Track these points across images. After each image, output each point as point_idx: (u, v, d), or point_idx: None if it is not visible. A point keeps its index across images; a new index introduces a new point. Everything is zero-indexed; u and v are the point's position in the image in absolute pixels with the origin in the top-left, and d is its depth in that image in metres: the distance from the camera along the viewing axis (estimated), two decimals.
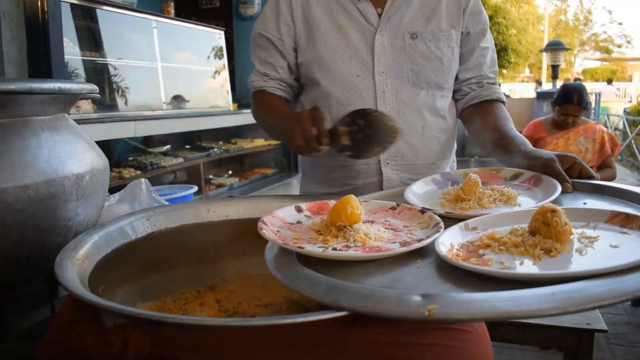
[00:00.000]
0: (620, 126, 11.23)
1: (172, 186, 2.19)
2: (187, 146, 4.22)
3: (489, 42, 1.45)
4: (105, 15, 2.88)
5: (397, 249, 0.80)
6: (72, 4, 2.69)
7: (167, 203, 1.68)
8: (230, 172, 4.77)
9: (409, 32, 1.37)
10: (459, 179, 1.22)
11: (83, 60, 2.68)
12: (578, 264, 0.70)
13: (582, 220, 0.84)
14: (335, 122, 1.19)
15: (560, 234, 0.75)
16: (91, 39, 2.79)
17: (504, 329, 1.86)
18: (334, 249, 0.82)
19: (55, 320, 0.71)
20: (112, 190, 2.73)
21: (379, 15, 1.39)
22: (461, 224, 0.88)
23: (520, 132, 1.38)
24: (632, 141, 10.00)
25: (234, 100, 4.67)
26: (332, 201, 1.04)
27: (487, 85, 1.44)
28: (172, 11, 3.88)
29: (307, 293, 0.68)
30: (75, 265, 0.80)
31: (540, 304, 0.56)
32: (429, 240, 0.81)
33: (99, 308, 0.60)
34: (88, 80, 2.68)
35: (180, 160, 3.63)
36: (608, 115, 11.74)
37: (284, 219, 0.97)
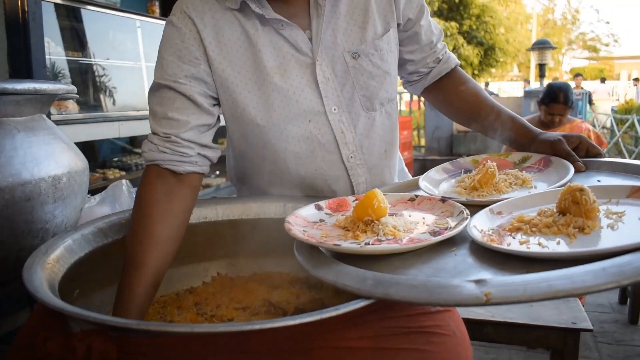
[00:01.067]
0: (608, 124, 11.33)
1: None
2: None
3: (426, 12, 1.29)
4: (89, 15, 2.84)
5: (432, 238, 0.79)
6: (55, 4, 2.65)
7: None
8: (217, 172, 4.75)
9: (349, 52, 1.16)
10: (469, 166, 1.22)
11: (66, 60, 2.64)
12: (614, 238, 0.70)
13: (603, 198, 0.84)
14: None
15: (589, 212, 0.76)
16: (74, 39, 2.76)
17: (490, 328, 1.86)
18: (367, 243, 0.81)
19: (25, 325, 0.69)
20: (97, 191, 2.70)
21: (310, 40, 1.14)
22: (486, 209, 0.88)
23: None
24: (620, 139, 10.09)
25: None
26: (349, 197, 1.06)
27: (443, 57, 1.33)
28: (157, 10, 3.84)
29: (355, 289, 0.67)
30: (46, 270, 0.78)
31: (595, 279, 0.56)
32: (460, 227, 0.80)
33: (64, 314, 0.59)
34: (72, 81, 2.65)
35: None
36: (596, 114, 11.84)
37: (306, 218, 0.96)
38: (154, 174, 1.06)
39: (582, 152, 1.15)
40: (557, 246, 0.71)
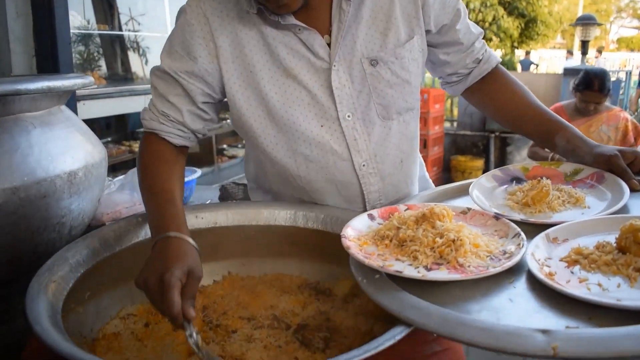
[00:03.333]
0: None
1: None
2: None
3: (462, 15, 1.23)
4: None
5: (491, 270, 0.79)
6: None
7: None
8: (244, 141, 4.76)
9: (368, 58, 1.12)
10: (519, 174, 1.22)
11: (92, 33, 2.65)
12: None
13: None
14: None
15: None
16: (100, 12, 2.75)
17: None
18: (426, 266, 0.83)
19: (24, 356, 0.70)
20: (122, 165, 2.74)
21: (328, 45, 1.12)
22: (542, 235, 0.88)
23: None
24: None
25: None
26: (400, 205, 1.05)
27: (483, 56, 1.29)
28: None
29: (420, 324, 0.69)
30: (50, 291, 0.79)
31: None
32: (518, 257, 0.81)
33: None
34: (97, 53, 2.65)
35: None
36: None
37: (360, 230, 0.97)
38: (155, 141, 1.16)
39: (636, 169, 1.11)
40: (618, 290, 0.72)
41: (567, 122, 1.25)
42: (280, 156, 1.19)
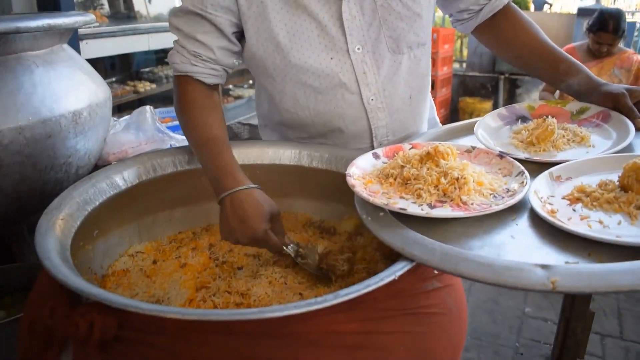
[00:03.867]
0: None
1: None
2: None
3: None
4: None
5: (494, 207, 0.80)
6: None
7: (170, 132, 1.68)
8: (250, 81, 4.69)
9: None
10: (524, 112, 1.21)
11: None
12: None
13: None
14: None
15: None
16: None
17: None
18: (429, 204, 0.83)
19: (33, 292, 0.72)
20: (127, 105, 2.73)
21: None
22: (546, 173, 0.89)
23: None
24: None
25: None
26: (405, 144, 1.05)
27: None
28: None
29: (423, 260, 0.70)
30: (58, 228, 0.81)
31: None
32: (522, 194, 0.82)
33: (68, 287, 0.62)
34: None
35: None
36: None
37: (365, 169, 0.97)
38: (189, 85, 1.15)
39: None
40: (618, 227, 0.73)
41: (576, 61, 1.22)
42: (289, 88, 1.18)
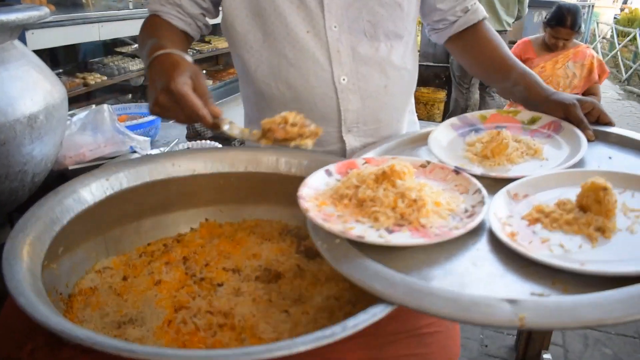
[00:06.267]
0: (609, 35, 10.98)
1: (140, 104, 2.06)
2: None
3: None
4: None
5: (455, 232, 0.77)
6: None
7: (130, 133, 1.59)
8: (204, 72, 4.56)
9: None
10: (477, 122, 1.20)
11: None
12: (636, 250, 0.72)
13: (618, 187, 0.84)
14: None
15: (609, 212, 0.77)
16: None
17: None
18: (387, 228, 0.79)
19: (4, 329, 0.65)
20: (77, 99, 2.57)
21: None
22: (503, 191, 0.87)
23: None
24: (619, 53, 9.84)
25: None
26: (358, 160, 1.00)
27: (472, 7, 1.31)
28: None
29: (386, 295, 0.65)
30: (26, 254, 0.73)
31: (626, 309, 0.58)
32: (480, 217, 0.80)
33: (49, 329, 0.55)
34: None
35: None
36: (597, 23, 11.41)
37: (317, 188, 0.92)
38: (157, 21, 1.21)
39: (593, 119, 1.12)
40: (580, 251, 0.73)
41: (531, 71, 1.25)
42: (265, 57, 1.19)
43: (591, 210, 0.78)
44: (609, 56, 10.27)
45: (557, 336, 2.35)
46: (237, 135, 0.94)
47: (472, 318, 0.60)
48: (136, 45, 3.77)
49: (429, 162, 0.98)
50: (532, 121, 1.16)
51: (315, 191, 0.91)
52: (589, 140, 1.04)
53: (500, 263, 0.72)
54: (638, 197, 0.82)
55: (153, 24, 1.21)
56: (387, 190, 0.85)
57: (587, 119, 1.10)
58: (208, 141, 1.75)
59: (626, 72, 9.33)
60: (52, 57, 2.88)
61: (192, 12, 1.22)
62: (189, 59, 0.96)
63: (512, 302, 0.60)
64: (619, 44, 9.95)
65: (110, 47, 3.45)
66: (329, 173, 0.97)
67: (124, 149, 1.52)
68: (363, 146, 1.25)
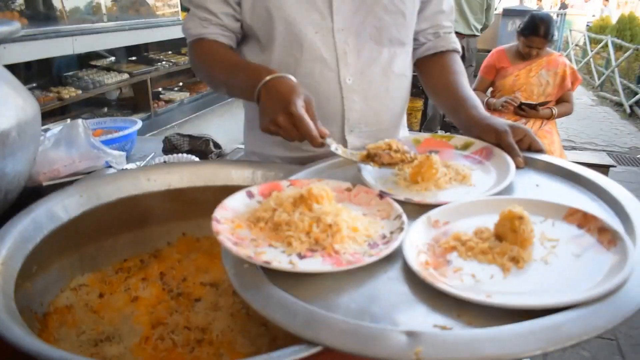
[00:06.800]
0: (581, 42, 11.22)
1: (115, 118, 2.03)
2: (133, 57, 3.94)
3: None
4: None
5: (367, 259, 0.75)
6: None
7: (105, 149, 1.57)
8: (180, 84, 4.55)
9: None
10: (410, 145, 1.16)
11: None
12: (546, 280, 0.71)
13: (540, 215, 0.83)
14: None
15: (524, 241, 0.76)
16: None
17: None
18: (299, 254, 0.77)
19: None
20: (51, 114, 2.53)
21: None
22: (424, 218, 0.84)
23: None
24: (591, 59, 10.05)
25: (183, 7, 4.33)
26: (283, 182, 0.97)
27: (443, 35, 1.35)
28: None
29: (284, 325, 0.63)
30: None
31: (525, 345, 0.58)
32: (395, 244, 0.77)
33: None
34: None
35: (126, 76, 3.36)
36: (570, 31, 11.66)
37: (236, 210, 0.88)
38: (204, 44, 1.26)
39: (524, 146, 1.11)
40: (490, 281, 0.71)
41: (475, 97, 1.25)
42: (274, 55, 1.23)
43: (507, 240, 0.77)
44: (582, 63, 10.49)
45: None
46: (341, 154, 1.03)
47: (366, 351, 0.59)
48: (112, 58, 3.75)
49: (354, 185, 0.96)
50: (465, 146, 1.14)
51: (234, 213, 0.87)
52: (518, 167, 1.03)
53: (410, 292, 0.70)
54: (558, 227, 0.81)
55: (209, 49, 1.25)
56: (303, 214, 0.82)
57: (519, 145, 1.08)
58: (185, 154, 1.73)
59: (599, 79, 9.55)
60: (26, 71, 2.84)
61: (234, 27, 1.26)
62: (292, 78, 1.05)
63: (410, 334, 0.59)
64: (591, 51, 10.18)
65: (85, 60, 3.41)
66: (250, 195, 0.93)
67: (99, 164, 1.50)
68: (363, 147, 1.26)
